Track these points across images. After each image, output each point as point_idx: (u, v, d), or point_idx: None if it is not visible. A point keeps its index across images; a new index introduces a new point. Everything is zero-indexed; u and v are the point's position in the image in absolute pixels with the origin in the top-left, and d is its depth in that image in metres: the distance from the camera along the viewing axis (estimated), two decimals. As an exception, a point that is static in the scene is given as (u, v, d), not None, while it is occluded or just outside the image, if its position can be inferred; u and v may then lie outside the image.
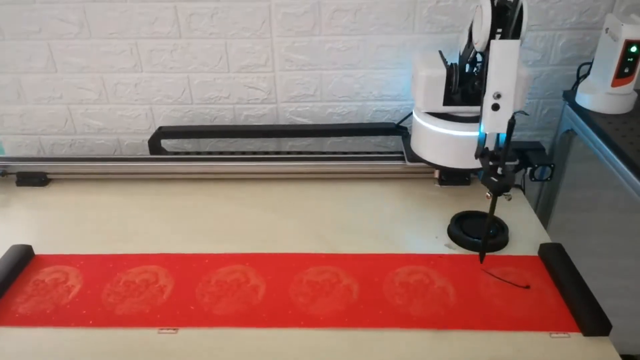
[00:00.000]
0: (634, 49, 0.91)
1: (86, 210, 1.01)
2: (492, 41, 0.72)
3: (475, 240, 0.87)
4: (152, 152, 1.15)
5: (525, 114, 0.67)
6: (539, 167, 1.01)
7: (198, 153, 1.19)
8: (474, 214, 0.94)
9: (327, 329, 0.73)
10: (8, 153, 1.25)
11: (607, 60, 0.95)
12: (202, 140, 1.22)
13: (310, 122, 1.19)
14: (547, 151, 1.10)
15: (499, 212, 0.92)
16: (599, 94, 0.99)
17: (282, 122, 1.19)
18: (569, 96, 1.07)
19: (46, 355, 0.71)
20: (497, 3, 0.75)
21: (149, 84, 1.15)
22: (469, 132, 0.93)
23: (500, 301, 0.77)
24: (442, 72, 0.90)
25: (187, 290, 0.80)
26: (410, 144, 1.05)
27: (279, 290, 0.79)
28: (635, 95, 1.00)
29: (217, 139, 1.22)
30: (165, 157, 1.13)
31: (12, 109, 1.19)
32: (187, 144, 1.23)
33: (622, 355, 0.69)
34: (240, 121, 1.19)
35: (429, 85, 0.91)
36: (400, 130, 1.12)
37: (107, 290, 0.80)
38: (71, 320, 0.75)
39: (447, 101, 0.92)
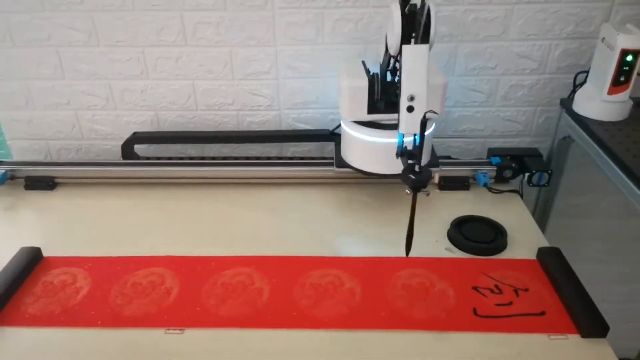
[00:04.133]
0: (629, 57, 0.92)
1: (93, 213, 1.02)
2: (403, 46, 0.74)
3: (475, 244, 0.89)
4: (150, 157, 1.15)
5: (435, 112, 0.69)
6: (536, 173, 1.02)
7: (202, 158, 1.20)
8: (473, 218, 0.95)
9: (331, 330, 0.74)
10: (16, 158, 1.25)
11: (604, 69, 0.96)
12: (206, 145, 1.23)
13: (311, 127, 1.19)
14: (544, 157, 1.11)
15: (498, 217, 0.94)
16: (596, 102, 1.00)
17: (284, 128, 1.20)
18: (566, 104, 1.08)
19: (55, 354, 0.72)
20: (408, 9, 0.77)
21: (155, 91, 1.16)
22: (393, 139, 0.86)
23: (499, 303, 0.78)
24: (364, 82, 0.90)
25: (193, 292, 0.80)
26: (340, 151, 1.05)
27: (283, 292, 0.80)
28: (631, 102, 1.01)
29: (221, 145, 1.23)
30: (168, 162, 1.13)
31: (20, 115, 1.20)
32: (191, 150, 1.24)
33: (619, 359, 0.69)
34: (244, 127, 1.20)
35: (352, 95, 0.91)
36: (333, 137, 1.12)
37: (114, 292, 0.81)
38: (79, 321, 0.76)
39: (371, 109, 0.92)
